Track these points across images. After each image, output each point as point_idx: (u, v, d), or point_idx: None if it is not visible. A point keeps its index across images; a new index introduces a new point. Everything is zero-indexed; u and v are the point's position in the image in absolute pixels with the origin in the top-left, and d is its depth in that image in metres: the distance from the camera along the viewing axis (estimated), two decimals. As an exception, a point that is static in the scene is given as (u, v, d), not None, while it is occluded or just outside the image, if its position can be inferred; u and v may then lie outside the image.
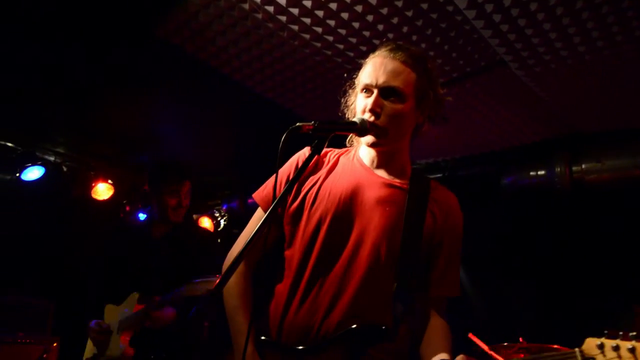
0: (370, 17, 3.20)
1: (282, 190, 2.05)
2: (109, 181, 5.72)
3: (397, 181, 1.98)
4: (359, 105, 1.96)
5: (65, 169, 5.51)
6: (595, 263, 4.41)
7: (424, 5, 3.09)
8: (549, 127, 4.52)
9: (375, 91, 1.90)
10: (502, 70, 3.64)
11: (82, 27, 3.49)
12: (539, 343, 3.56)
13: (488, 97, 4.04)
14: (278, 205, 1.71)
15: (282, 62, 3.64)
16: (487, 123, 4.51)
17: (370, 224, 1.89)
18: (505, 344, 3.54)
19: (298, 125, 1.73)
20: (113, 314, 3.51)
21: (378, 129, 1.89)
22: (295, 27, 3.28)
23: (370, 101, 1.89)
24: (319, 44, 3.44)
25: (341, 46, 3.45)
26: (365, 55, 3.61)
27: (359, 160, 2.07)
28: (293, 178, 1.78)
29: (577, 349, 1.54)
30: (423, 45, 3.39)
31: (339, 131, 1.89)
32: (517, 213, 4.96)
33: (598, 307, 4.11)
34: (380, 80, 1.90)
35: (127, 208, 6.18)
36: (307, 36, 3.36)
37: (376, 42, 3.40)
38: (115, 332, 3.42)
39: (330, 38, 3.38)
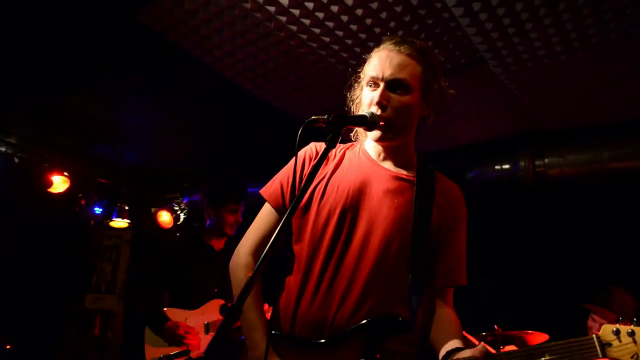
0: (359, 11, 3.20)
1: (290, 187, 2.04)
2: (65, 173, 5.45)
3: (404, 173, 2.00)
4: (366, 98, 1.96)
5: (17, 160, 5.20)
6: (559, 254, 4.63)
7: (414, 1, 3.13)
8: (515, 123, 4.70)
9: (382, 84, 1.91)
10: (480, 68, 3.75)
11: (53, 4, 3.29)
12: (514, 330, 3.72)
13: (462, 93, 4.14)
14: (295, 207, 1.65)
15: (266, 54, 3.58)
16: (457, 118, 4.63)
17: (380, 215, 1.90)
18: (483, 333, 3.67)
19: (313, 119, 1.71)
20: (183, 317, 3.73)
21: (385, 121, 1.90)
22: (284, 19, 3.24)
23: (377, 94, 1.90)
24: (305, 36, 3.41)
25: (327, 39, 3.44)
26: (350, 49, 3.62)
27: (365, 154, 2.07)
28: (310, 173, 1.71)
29: (594, 335, 1.58)
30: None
31: (350, 125, 1.89)
32: (483, 207, 5.13)
33: (562, 295, 4.33)
34: (387, 73, 1.91)
35: (83, 202, 5.92)
36: (294, 28, 3.32)
37: (362, 36, 3.41)
38: (204, 332, 3.74)
39: (317, 30, 3.35)
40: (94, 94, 4.57)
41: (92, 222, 6.16)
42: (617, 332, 1.57)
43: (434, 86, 2.00)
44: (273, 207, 2.06)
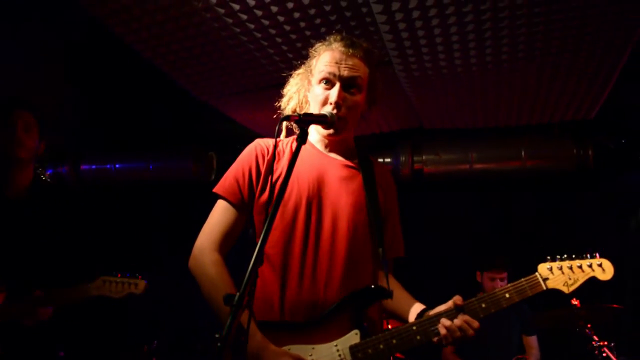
0: (290, 4, 3.23)
1: (248, 180, 2.15)
2: None
3: (349, 162, 2.24)
4: (319, 96, 2.12)
5: None
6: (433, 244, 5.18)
7: (343, 3, 3.25)
8: (398, 120, 5.10)
9: (338, 84, 2.09)
10: (385, 70, 4.00)
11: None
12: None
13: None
14: (279, 201, 1.72)
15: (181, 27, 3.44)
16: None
17: (341, 201, 2.12)
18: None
19: (287, 116, 1.87)
20: None
21: (340, 120, 2.08)
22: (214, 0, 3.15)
23: (334, 94, 2.07)
24: (230, 20, 3.34)
25: (252, 26, 3.41)
26: (272, 38, 3.59)
27: (313, 147, 2.26)
28: (287, 171, 1.77)
29: (536, 273, 2.05)
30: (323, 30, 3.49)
31: (313, 122, 2.04)
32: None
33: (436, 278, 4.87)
34: (344, 74, 2.09)
35: None
36: (222, 11, 3.25)
37: (287, 27, 3.44)
38: None
39: (245, 17, 3.31)
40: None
41: None
42: (550, 269, 2.06)
43: (376, 85, 2.24)
44: (232, 202, 2.13)
